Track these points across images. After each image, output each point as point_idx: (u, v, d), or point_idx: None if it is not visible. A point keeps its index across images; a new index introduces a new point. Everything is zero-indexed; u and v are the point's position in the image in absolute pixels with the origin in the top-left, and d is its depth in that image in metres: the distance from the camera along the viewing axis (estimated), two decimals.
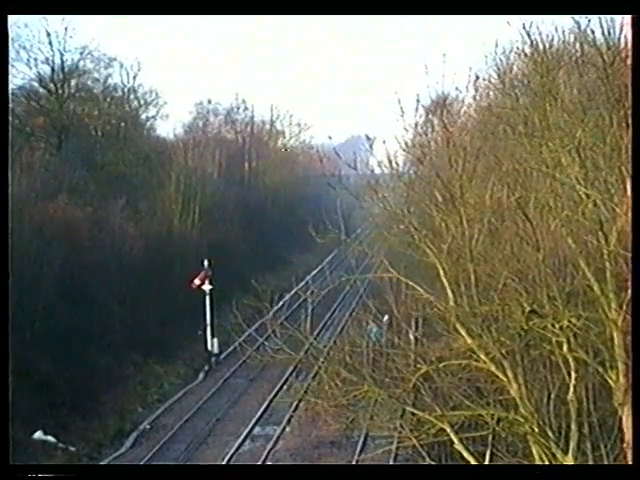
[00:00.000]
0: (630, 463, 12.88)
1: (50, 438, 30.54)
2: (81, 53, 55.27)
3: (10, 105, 52.18)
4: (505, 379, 15.46)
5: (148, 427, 33.57)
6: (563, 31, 18.47)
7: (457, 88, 20.37)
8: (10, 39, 51.76)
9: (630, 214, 13.13)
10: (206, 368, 41.96)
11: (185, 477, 14.58)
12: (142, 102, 64.58)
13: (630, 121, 13.52)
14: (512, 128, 16.39)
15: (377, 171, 18.02)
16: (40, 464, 26.01)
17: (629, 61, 13.82)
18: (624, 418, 14.61)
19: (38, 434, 30.41)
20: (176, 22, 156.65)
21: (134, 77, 61.71)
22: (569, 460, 15.21)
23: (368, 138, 20.92)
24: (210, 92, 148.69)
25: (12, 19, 49.74)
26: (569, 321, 14.81)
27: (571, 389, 15.37)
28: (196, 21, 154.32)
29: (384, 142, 17.41)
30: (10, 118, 51.44)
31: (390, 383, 16.01)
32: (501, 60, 23.09)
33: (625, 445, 14.71)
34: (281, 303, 35.36)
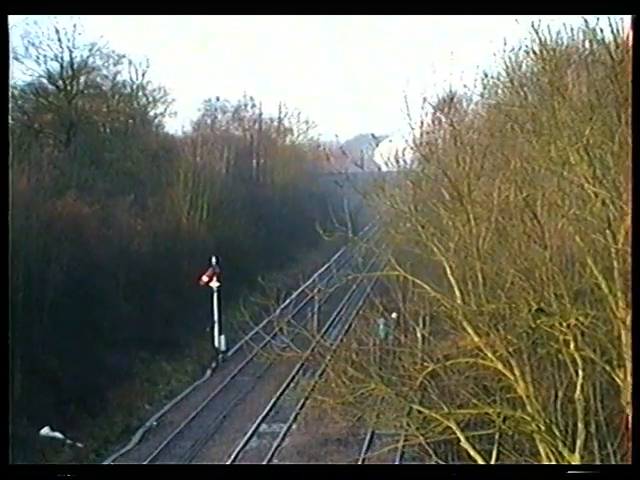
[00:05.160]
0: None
1: (57, 434, 30.61)
2: (90, 50, 55.41)
3: (19, 102, 52.34)
4: (512, 377, 15.46)
5: (155, 424, 33.61)
6: (572, 29, 18.42)
7: (465, 85, 20.39)
8: (19, 36, 51.95)
9: (630, 212, 13.13)
10: (213, 365, 41.99)
11: (187, 477, 14.56)
12: (150, 99, 64.73)
13: (630, 120, 13.49)
14: (520, 126, 16.36)
15: (384, 169, 18.04)
16: (40, 464, 26.05)
17: None
18: (630, 419, 14.59)
19: (45, 430, 30.49)
20: (184, 19, 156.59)
21: (143, 74, 61.94)
22: (576, 459, 15.20)
23: (374, 137, 20.93)
24: (218, 89, 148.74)
25: (22, 16, 49.87)
26: (576, 319, 14.80)
27: (578, 387, 15.36)
28: (204, 19, 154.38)
29: (390, 141, 17.42)
30: (19, 115, 51.65)
31: (397, 381, 16.03)
32: (510, 58, 22.99)
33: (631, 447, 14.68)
34: (288, 301, 35.37)
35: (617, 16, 14.74)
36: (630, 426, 13.17)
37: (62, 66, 54.23)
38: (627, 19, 14.94)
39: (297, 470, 18.45)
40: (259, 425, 32.75)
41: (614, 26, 14.76)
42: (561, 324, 14.95)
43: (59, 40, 53.38)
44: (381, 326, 24.20)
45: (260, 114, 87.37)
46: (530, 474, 13.93)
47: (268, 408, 34.46)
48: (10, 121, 46.59)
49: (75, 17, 52.14)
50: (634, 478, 11.67)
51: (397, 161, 17.65)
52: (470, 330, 15.52)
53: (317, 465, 26.42)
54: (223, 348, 42.83)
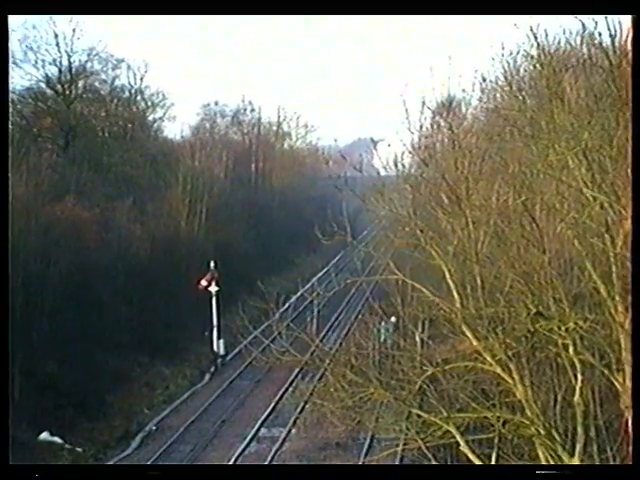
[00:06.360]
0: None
1: (56, 439, 30.58)
2: (88, 54, 55.48)
3: (18, 106, 52.36)
4: (511, 381, 15.45)
5: (154, 428, 33.59)
6: (570, 33, 18.46)
7: (464, 90, 20.41)
8: (18, 40, 52.02)
9: (630, 216, 13.13)
10: (212, 369, 41.97)
11: (187, 477, 14.57)
12: (149, 103, 64.79)
13: (630, 125, 13.50)
14: (519, 130, 16.37)
15: (383, 173, 18.05)
16: (40, 464, 26.02)
17: None
18: (630, 420, 14.58)
19: (44, 435, 30.46)
20: (183, 23, 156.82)
21: (141, 78, 62.03)
22: (575, 462, 15.18)
23: (373, 141, 20.93)
24: (217, 93, 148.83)
25: (20, 20, 49.96)
26: (575, 323, 14.80)
27: (577, 391, 15.35)
28: (203, 22, 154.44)
29: (389, 145, 17.43)
30: (18, 119, 51.66)
31: (396, 385, 16.01)
32: (508, 62, 23.03)
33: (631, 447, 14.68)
34: (287, 305, 35.35)
35: (615, 20, 14.75)
36: (630, 428, 13.18)
37: (61, 70, 54.30)
38: (626, 21, 14.96)
39: (297, 470, 18.46)
40: (258, 430, 32.72)
41: (612, 30, 14.76)
42: (560, 328, 14.95)
43: (57, 45, 53.52)
44: (382, 330, 24.20)
45: (259, 118, 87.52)
46: (530, 474, 13.94)
47: (267, 412, 34.43)
48: (9, 125, 46.60)
49: (74, 21, 52.29)
50: (634, 478, 11.69)
51: (396, 165, 17.65)
52: (469, 334, 15.51)
53: (317, 465, 26.39)
54: (222, 352, 42.82)
